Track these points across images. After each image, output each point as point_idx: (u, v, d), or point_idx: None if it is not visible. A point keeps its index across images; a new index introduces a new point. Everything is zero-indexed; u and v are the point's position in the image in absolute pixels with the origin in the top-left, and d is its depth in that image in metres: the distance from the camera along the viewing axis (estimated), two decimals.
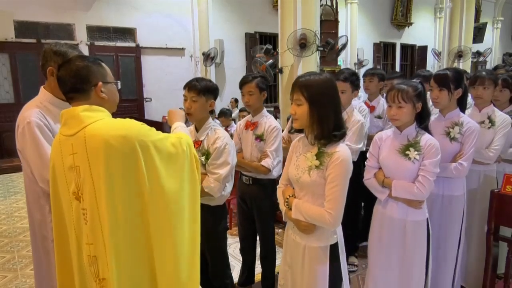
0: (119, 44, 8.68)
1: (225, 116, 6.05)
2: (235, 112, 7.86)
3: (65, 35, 7.88)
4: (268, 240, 2.62)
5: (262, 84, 2.47)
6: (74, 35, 8.05)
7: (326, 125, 1.56)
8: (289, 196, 1.72)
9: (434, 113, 2.44)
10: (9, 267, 3.27)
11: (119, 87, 1.51)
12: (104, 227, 1.26)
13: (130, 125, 1.31)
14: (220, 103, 9.15)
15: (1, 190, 5.72)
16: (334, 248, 1.66)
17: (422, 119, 2.00)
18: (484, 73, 2.60)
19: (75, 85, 1.35)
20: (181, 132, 1.60)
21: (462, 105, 2.35)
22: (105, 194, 1.25)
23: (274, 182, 2.50)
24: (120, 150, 1.25)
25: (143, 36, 8.88)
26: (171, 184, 1.34)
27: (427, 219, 2.03)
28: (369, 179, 2.13)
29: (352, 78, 2.77)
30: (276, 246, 2.73)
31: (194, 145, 1.73)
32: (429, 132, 2.02)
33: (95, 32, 8.36)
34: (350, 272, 2.87)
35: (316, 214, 1.58)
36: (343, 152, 1.57)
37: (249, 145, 2.54)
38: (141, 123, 1.35)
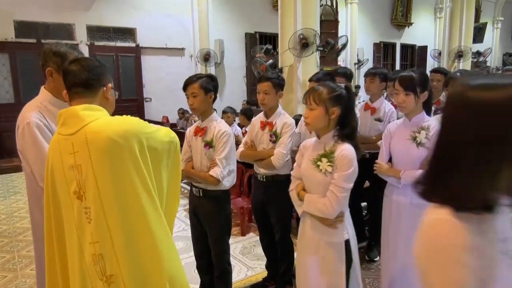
0: (119, 44, 8.68)
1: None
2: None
3: (65, 35, 7.87)
4: (222, 258, 2.35)
5: (208, 85, 2.20)
6: (74, 35, 8.06)
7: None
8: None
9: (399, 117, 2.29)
10: (9, 267, 3.27)
11: (116, 96, 1.58)
12: (110, 224, 1.28)
13: (130, 121, 1.38)
14: (220, 103, 9.15)
15: (1, 190, 5.72)
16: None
17: (341, 127, 1.78)
18: (458, 74, 2.40)
19: (88, 80, 1.38)
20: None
21: (427, 107, 2.21)
22: (112, 191, 1.27)
23: (228, 193, 2.27)
24: (124, 145, 1.28)
25: (143, 36, 8.88)
26: (167, 175, 1.46)
27: (347, 241, 1.79)
28: (291, 191, 1.94)
29: (273, 76, 2.53)
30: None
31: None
32: (354, 144, 1.77)
33: (95, 32, 8.36)
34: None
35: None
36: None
37: (198, 153, 2.27)
38: (136, 118, 1.43)
